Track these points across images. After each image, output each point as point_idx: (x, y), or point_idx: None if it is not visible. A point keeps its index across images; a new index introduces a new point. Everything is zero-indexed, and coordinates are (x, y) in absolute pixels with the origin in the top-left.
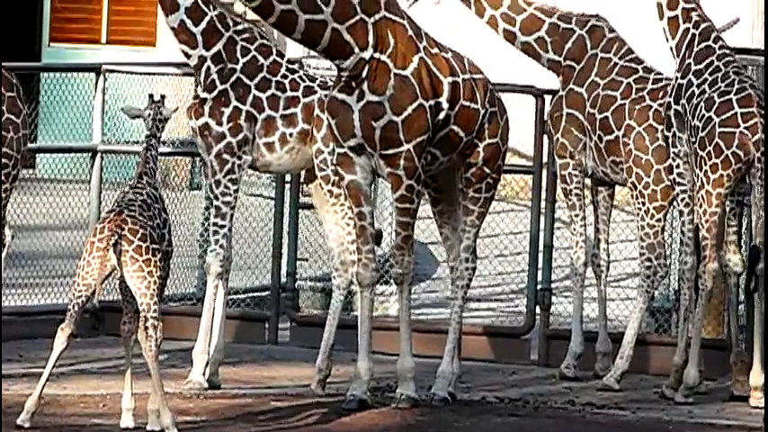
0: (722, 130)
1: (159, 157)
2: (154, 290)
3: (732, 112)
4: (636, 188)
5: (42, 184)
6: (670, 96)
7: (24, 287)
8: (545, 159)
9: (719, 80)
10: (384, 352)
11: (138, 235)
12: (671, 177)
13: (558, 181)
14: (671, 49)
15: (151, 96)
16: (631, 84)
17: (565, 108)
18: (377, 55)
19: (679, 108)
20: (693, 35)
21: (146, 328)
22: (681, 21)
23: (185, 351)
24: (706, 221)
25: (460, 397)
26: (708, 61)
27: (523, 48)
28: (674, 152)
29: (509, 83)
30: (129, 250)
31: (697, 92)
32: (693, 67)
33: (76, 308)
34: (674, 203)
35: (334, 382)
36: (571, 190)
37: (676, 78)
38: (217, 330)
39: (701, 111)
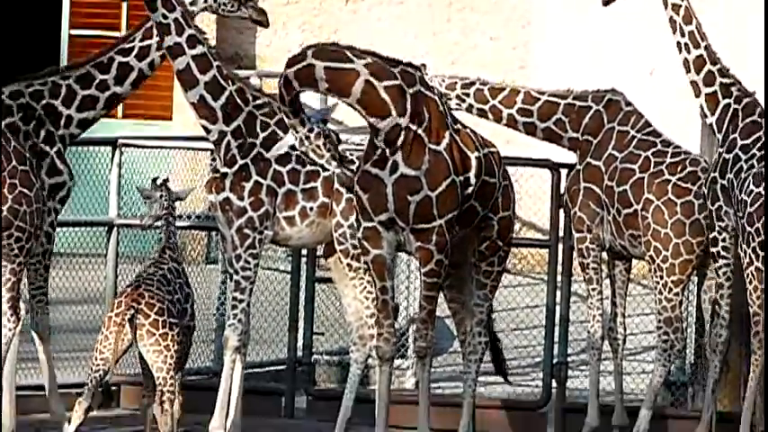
0: None
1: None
2: (170, 364)
3: None
4: (654, 262)
5: (58, 258)
6: (714, 171)
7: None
8: (561, 233)
9: None
10: (399, 426)
11: (155, 309)
12: (692, 250)
13: (576, 255)
14: (710, 125)
15: (155, 180)
16: (650, 157)
17: (582, 182)
18: (413, 126)
19: (725, 182)
20: (736, 110)
21: (162, 402)
22: (720, 96)
23: (201, 425)
24: (758, 298)
25: None
26: (755, 137)
27: (545, 135)
28: (719, 226)
29: (525, 157)
30: (145, 324)
31: (745, 167)
32: (740, 142)
33: (94, 382)
34: (692, 277)
35: None
36: (588, 264)
37: (720, 154)
38: (234, 405)
39: (748, 186)
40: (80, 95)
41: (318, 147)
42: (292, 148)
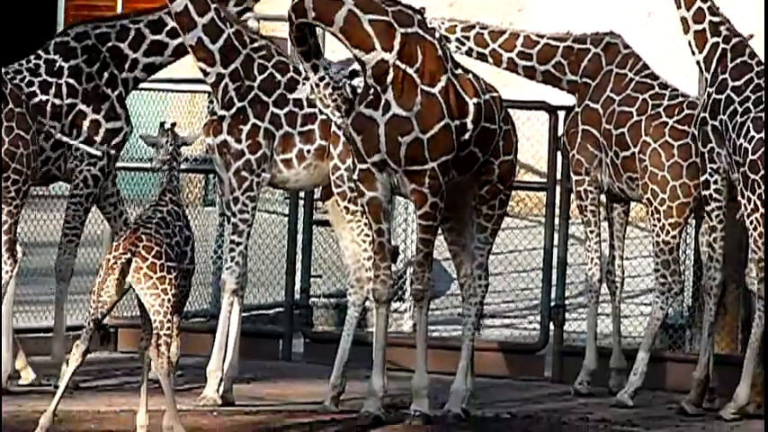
0: None
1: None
2: (167, 307)
3: None
4: (651, 204)
5: (56, 201)
6: (704, 111)
7: (36, 304)
8: (559, 176)
9: (765, 99)
10: (397, 368)
11: (153, 252)
12: (689, 192)
13: (574, 197)
14: (698, 62)
15: (162, 124)
16: (647, 99)
17: (580, 124)
18: (402, 66)
19: (717, 124)
20: (725, 50)
21: (158, 345)
22: (708, 35)
23: (199, 368)
24: (763, 244)
25: (474, 413)
26: (747, 78)
27: (544, 78)
28: (711, 168)
29: (523, 99)
30: (142, 267)
31: (740, 109)
32: (731, 83)
33: (92, 324)
34: (690, 219)
35: (349, 398)
36: (586, 206)
37: (710, 94)
38: (231, 347)
39: (748, 131)
40: (149, 40)
41: (325, 96)
42: (290, 91)
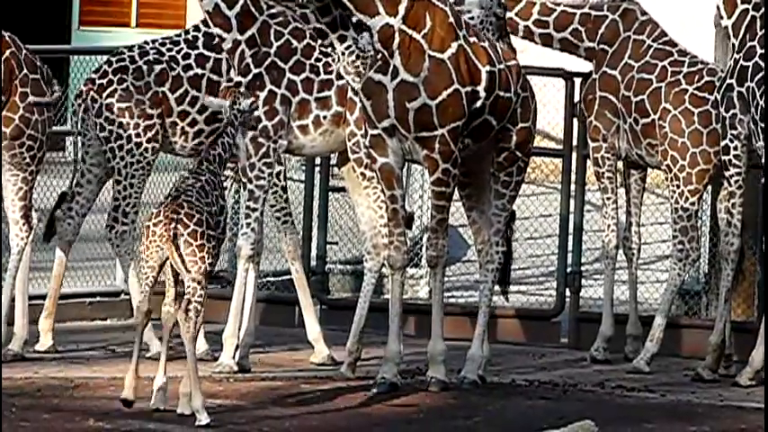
0: None
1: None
2: (203, 275)
3: None
4: (671, 171)
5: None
6: (731, 78)
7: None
8: (575, 142)
9: None
10: (414, 335)
11: (195, 220)
12: (709, 159)
13: (591, 164)
14: (726, 28)
15: (227, 87)
16: (666, 67)
17: (598, 91)
18: (409, 31)
19: (743, 90)
20: (754, 17)
21: (187, 310)
22: (738, 1)
23: (215, 334)
24: None
25: (490, 380)
26: None
27: (561, 45)
28: (732, 134)
29: (539, 66)
30: (183, 234)
31: None
32: (759, 51)
33: (147, 288)
34: (708, 187)
35: (365, 364)
36: (603, 173)
37: (737, 60)
38: (247, 314)
39: None
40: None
41: (348, 64)
42: (306, 57)
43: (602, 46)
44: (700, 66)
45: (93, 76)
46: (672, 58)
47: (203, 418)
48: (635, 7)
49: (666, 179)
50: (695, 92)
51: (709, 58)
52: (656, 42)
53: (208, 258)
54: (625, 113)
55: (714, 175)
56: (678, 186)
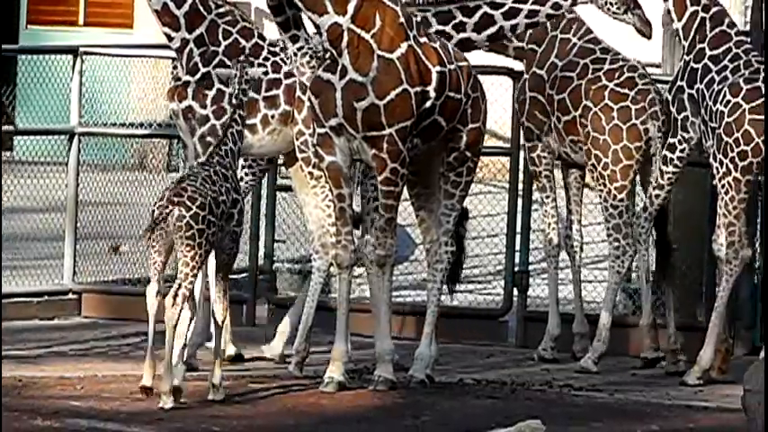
0: (752, 117)
1: (136, 140)
2: (197, 261)
3: (762, 100)
4: (596, 169)
5: (20, 166)
6: (681, 80)
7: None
8: (522, 141)
9: (742, 67)
10: (362, 334)
11: (197, 203)
12: (631, 155)
13: (528, 163)
14: (677, 30)
15: (237, 60)
16: (588, 64)
17: (528, 91)
18: (357, 30)
19: (694, 92)
20: (703, 19)
21: (175, 295)
22: (688, 3)
23: (163, 333)
24: (734, 208)
25: (438, 379)
26: (725, 47)
27: (491, 47)
28: (682, 136)
29: (487, 65)
30: (185, 216)
31: (717, 78)
32: (708, 53)
33: (155, 270)
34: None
35: (312, 364)
36: (540, 172)
37: (687, 62)
38: (199, 312)
39: (724, 96)
40: (434, 29)
41: (302, 65)
42: (254, 56)
43: (531, 45)
44: (621, 63)
45: None
46: (594, 56)
47: (168, 402)
48: None
49: (593, 178)
50: (615, 88)
51: (656, 59)
52: (581, 41)
53: (205, 245)
54: (550, 112)
55: (639, 170)
56: (605, 185)
